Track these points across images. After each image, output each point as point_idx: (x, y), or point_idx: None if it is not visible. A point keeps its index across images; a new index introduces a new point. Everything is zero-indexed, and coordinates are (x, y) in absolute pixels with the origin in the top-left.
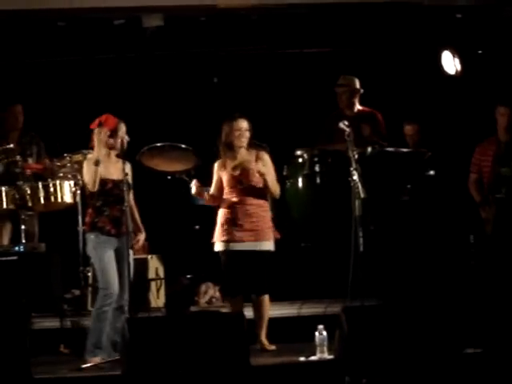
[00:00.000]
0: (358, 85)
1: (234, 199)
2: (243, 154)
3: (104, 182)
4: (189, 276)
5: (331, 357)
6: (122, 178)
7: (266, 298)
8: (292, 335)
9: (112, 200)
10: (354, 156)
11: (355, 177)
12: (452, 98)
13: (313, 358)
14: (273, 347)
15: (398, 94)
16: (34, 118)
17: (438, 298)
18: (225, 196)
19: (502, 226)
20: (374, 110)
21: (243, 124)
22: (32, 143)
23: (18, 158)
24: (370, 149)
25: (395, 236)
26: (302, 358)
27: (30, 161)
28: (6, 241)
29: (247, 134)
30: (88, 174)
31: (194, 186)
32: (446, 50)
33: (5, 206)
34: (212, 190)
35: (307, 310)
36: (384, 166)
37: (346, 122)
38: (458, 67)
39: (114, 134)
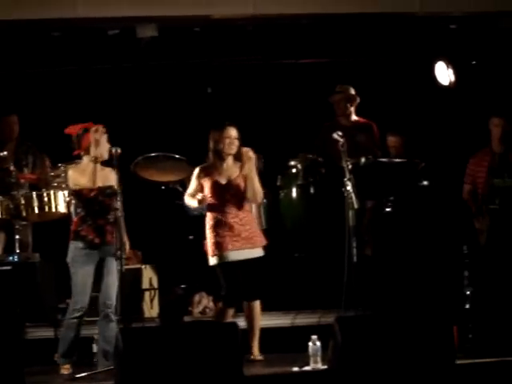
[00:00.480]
0: (353, 92)
1: (226, 208)
2: (230, 163)
3: (88, 189)
4: (182, 286)
5: (325, 367)
6: (106, 186)
7: (258, 303)
8: (286, 345)
9: (97, 209)
10: (347, 166)
11: (349, 187)
12: (446, 108)
13: (306, 368)
14: (260, 358)
15: (391, 105)
16: (29, 128)
17: (431, 308)
18: (213, 205)
19: (496, 236)
20: (370, 121)
21: (233, 132)
22: (28, 153)
23: (13, 167)
24: (363, 159)
25: (388, 246)
26: (296, 368)
27: (26, 171)
28: None
29: (236, 143)
30: (85, 175)
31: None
32: (440, 60)
33: None
34: (190, 192)
35: (301, 320)
36: (377, 176)
37: (340, 133)
38: (452, 78)
39: (96, 142)
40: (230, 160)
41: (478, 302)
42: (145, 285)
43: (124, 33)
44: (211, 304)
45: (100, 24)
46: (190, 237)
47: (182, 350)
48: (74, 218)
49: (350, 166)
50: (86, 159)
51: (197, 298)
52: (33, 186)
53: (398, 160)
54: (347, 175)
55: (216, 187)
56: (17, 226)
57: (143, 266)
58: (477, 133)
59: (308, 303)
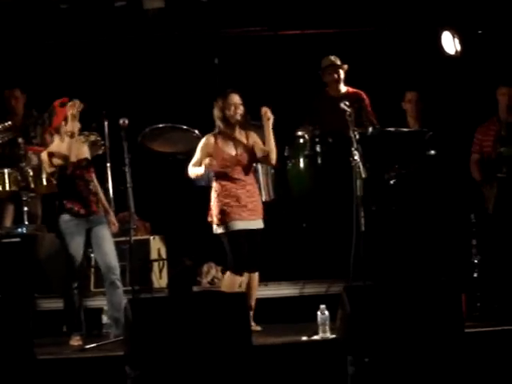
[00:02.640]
0: (339, 62)
1: (234, 179)
2: (237, 131)
3: (64, 165)
4: (191, 256)
5: (333, 336)
6: (81, 159)
7: (257, 275)
8: (294, 315)
9: (77, 181)
10: (355, 136)
11: (356, 157)
12: (452, 78)
13: (315, 337)
14: (258, 328)
15: (398, 75)
16: (36, 100)
17: (439, 276)
18: (221, 175)
19: (504, 204)
20: (359, 90)
21: (236, 98)
22: (37, 124)
23: (21, 140)
24: (370, 129)
25: (396, 216)
26: (305, 338)
27: (35, 142)
28: (8, 223)
29: (242, 108)
30: (62, 149)
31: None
32: (446, 30)
33: (7, 187)
34: (195, 162)
35: (309, 289)
36: (385, 145)
37: (347, 102)
38: (458, 47)
39: (67, 120)
40: (237, 128)
41: (486, 270)
42: (153, 255)
43: (131, 4)
44: (220, 274)
45: None
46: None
47: (190, 320)
48: (58, 193)
49: (357, 136)
50: (56, 139)
51: (205, 268)
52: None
53: (405, 129)
54: (354, 145)
55: (225, 156)
56: (25, 198)
57: (152, 237)
58: (484, 102)
59: (316, 273)
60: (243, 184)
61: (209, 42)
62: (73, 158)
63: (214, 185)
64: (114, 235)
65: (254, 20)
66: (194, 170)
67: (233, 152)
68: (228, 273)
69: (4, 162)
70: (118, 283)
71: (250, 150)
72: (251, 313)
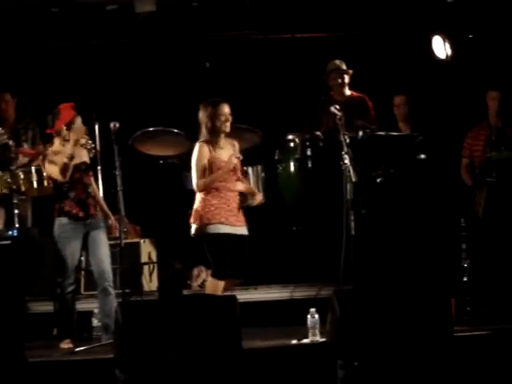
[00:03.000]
0: (345, 66)
1: (227, 186)
2: (223, 139)
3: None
4: (181, 260)
5: (323, 340)
6: (80, 162)
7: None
8: (284, 318)
9: (75, 184)
10: (345, 140)
11: (346, 161)
12: (442, 82)
13: (305, 340)
14: None
15: (389, 79)
16: (27, 104)
17: (429, 280)
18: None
19: (494, 209)
20: (364, 95)
21: (226, 109)
22: (28, 128)
23: (12, 143)
24: (361, 133)
25: (386, 219)
26: (294, 341)
27: (25, 146)
28: None
29: (230, 119)
30: (59, 166)
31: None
32: (437, 34)
33: None
34: (202, 173)
35: (299, 293)
36: (375, 149)
37: (337, 106)
38: (449, 52)
39: (69, 127)
40: (223, 136)
41: (476, 274)
42: (144, 259)
43: (122, 8)
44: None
45: None
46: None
47: (180, 324)
48: (56, 196)
49: (347, 140)
50: (56, 141)
51: (195, 271)
52: (32, 160)
53: (395, 133)
54: (345, 149)
55: (217, 163)
56: (16, 201)
57: (142, 240)
58: (474, 107)
59: (306, 276)
60: (232, 190)
61: (200, 46)
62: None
63: (204, 194)
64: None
65: (245, 24)
66: (207, 181)
67: (223, 158)
68: (210, 278)
69: None
70: (111, 290)
71: (237, 159)
72: None
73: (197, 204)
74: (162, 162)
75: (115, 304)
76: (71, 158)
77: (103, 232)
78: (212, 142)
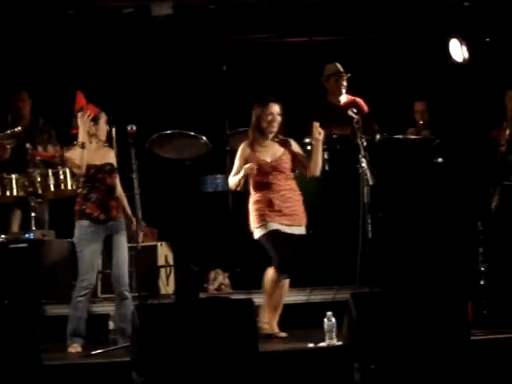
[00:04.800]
0: (342, 69)
1: (269, 186)
2: (271, 140)
3: (87, 167)
4: (198, 263)
5: (340, 343)
6: (104, 163)
7: (287, 282)
8: (301, 321)
9: (98, 185)
10: (362, 143)
11: (364, 164)
12: (460, 86)
13: (322, 344)
14: (283, 334)
15: (406, 82)
16: (44, 106)
17: (446, 284)
18: (256, 182)
19: (507, 212)
20: (358, 98)
21: (275, 108)
22: (43, 131)
23: (28, 145)
24: (378, 136)
25: (403, 223)
26: (311, 345)
27: (40, 148)
28: (16, 228)
29: (279, 119)
30: (75, 158)
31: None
32: (454, 37)
33: (15, 193)
34: (235, 172)
35: (316, 296)
36: (392, 152)
37: (355, 110)
38: (466, 55)
39: (95, 121)
40: (270, 137)
41: (493, 278)
42: (161, 262)
43: (139, 11)
44: (227, 281)
45: (115, 2)
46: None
47: (197, 327)
48: (78, 198)
49: (364, 143)
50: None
51: (212, 274)
52: (47, 163)
53: (412, 137)
54: (362, 152)
55: (260, 163)
56: (33, 204)
57: (159, 243)
58: (490, 109)
59: (323, 279)
60: (278, 190)
61: (217, 49)
62: (96, 161)
63: (251, 193)
64: None
65: (262, 27)
66: (234, 179)
67: (268, 159)
68: (271, 272)
69: (11, 168)
70: (127, 294)
71: (286, 158)
72: (276, 318)
73: (250, 210)
74: (179, 164)
75: (132, 308)
76: (82, 145)
77: (124, 236)
78: (256, 141)
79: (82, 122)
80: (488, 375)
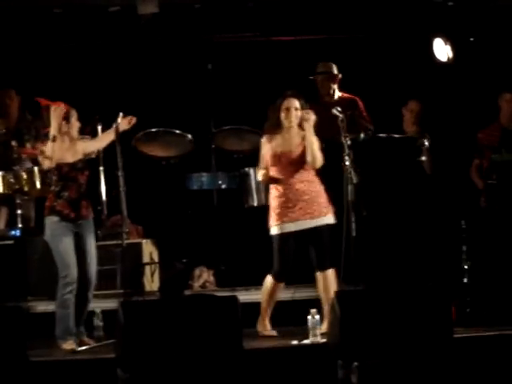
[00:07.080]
0: (335, 70)
1: (282, 179)
2: (292, 133)
3: (60, 166)
4: (183, 260)
5: (323, 340)
6: (77, 160)
7: (331, 272)
8: (285, 319)
9: (70, 184)
10: (346, 142)
11: (348, 162)
12: (443, 85)
13: (305, 341)
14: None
15: (390, 82)
16: (31, 104)
17: (429, 282)
18: (273, 176)
19: (492, 211)
20: (354, 96)
21: (292, 103)
22: (30, 128)
23: (14, 142)
24: (362, 135)
25: (387, 221)
26: (295, 342)
27: (28, 145)
28: (2, 225)
29: (296, 114)
30: (47, 150)
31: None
32: (438, 37)
33: (1, 190)
34: (260, 166)
35: (300, 294)
36: (376, 151)
37: (339, 108)
38: (450, 54)
39: (67, 119)
40: (292, 131)
41: (476, 276)
42: (145, 259)
43: (125, 9)
44: (211, 278)
45: (101, 1)
46: (189, 211)
47: (182, 324)
48: (50, 194)
49: (348, 142)
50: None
51: (197, 272)
52: (34, 160)
53: (396, 135)
54: (346, 150)
55: (275, 158)
56: (19, 201)
57: (144, 241)
58: (475, 109)
59: (307, 277)
60: (293, 183)
61: (202, 48)
62: (69, 159)
63: (270, 186)
64: (106, 238)
65: (247, 26)
66: (259, 173)
67: (282, 152)
68: (268, 277)
69: None
70: (90, 296)
71: (302, 151)
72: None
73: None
74: (164, 162)
75: (98, 308)
76: (53, 138)
77: (93, 236)
78: (274, 134)
79: (55, 116)
80: (471, 373)
